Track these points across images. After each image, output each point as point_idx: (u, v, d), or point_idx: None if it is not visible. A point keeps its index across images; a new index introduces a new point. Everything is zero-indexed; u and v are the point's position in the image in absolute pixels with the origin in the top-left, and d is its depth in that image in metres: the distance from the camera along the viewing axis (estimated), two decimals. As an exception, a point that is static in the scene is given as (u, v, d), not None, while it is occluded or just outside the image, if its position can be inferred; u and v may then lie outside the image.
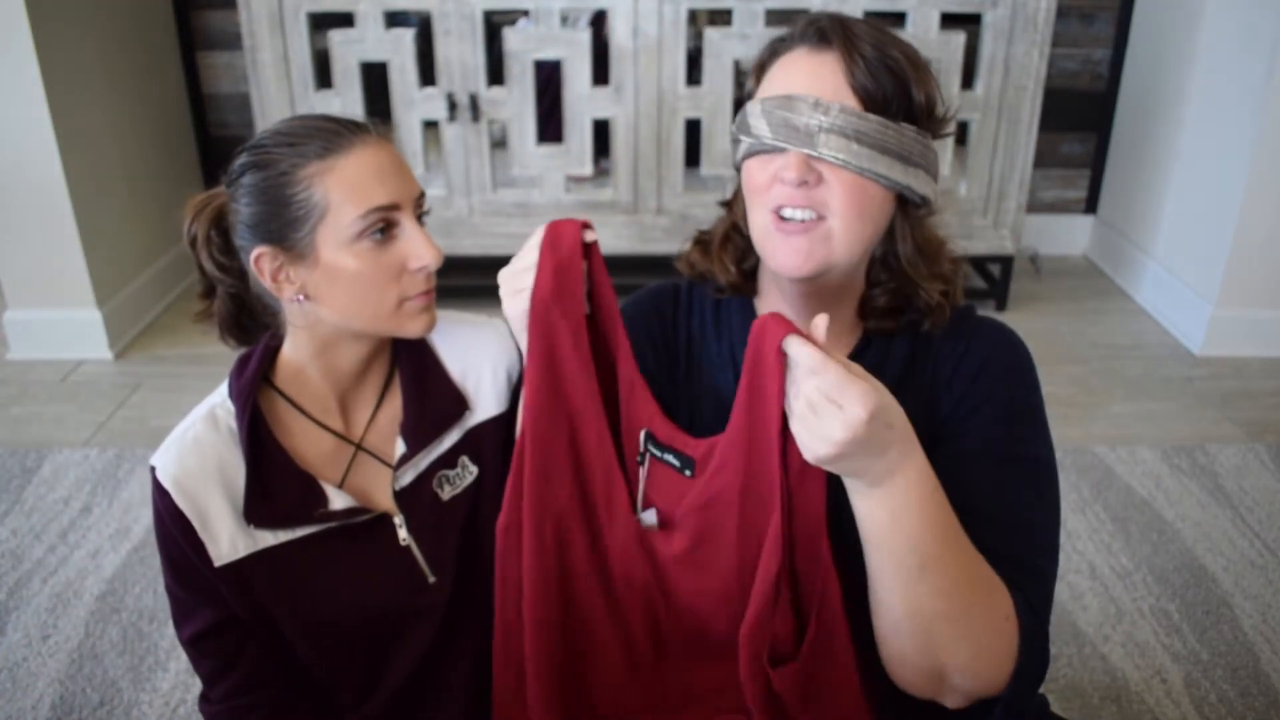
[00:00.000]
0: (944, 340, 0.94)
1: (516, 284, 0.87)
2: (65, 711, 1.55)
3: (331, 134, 0.91)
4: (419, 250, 0.92)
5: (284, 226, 0.91)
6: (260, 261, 0.92)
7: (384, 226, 0.91)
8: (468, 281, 2.79)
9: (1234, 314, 2.63)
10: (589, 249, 0.87)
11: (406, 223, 0.92)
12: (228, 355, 0.98)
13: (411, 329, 0.96)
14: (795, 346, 0.73)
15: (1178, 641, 1.69)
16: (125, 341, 2.72)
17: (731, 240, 0.99)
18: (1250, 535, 1.95)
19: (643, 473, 0.90)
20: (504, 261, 0.91)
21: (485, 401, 1.05)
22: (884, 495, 0.76)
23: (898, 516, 0.77)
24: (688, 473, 0.87)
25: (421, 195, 0.95)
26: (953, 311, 0.94)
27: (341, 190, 0.89)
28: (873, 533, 0.78)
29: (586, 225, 0.86)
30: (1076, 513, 2.01)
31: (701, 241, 1.02)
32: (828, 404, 0.71)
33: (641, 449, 0.90)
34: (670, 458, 0.88)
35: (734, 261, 0.98)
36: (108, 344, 2.64)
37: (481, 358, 1.05)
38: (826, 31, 0.86)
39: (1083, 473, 2.14)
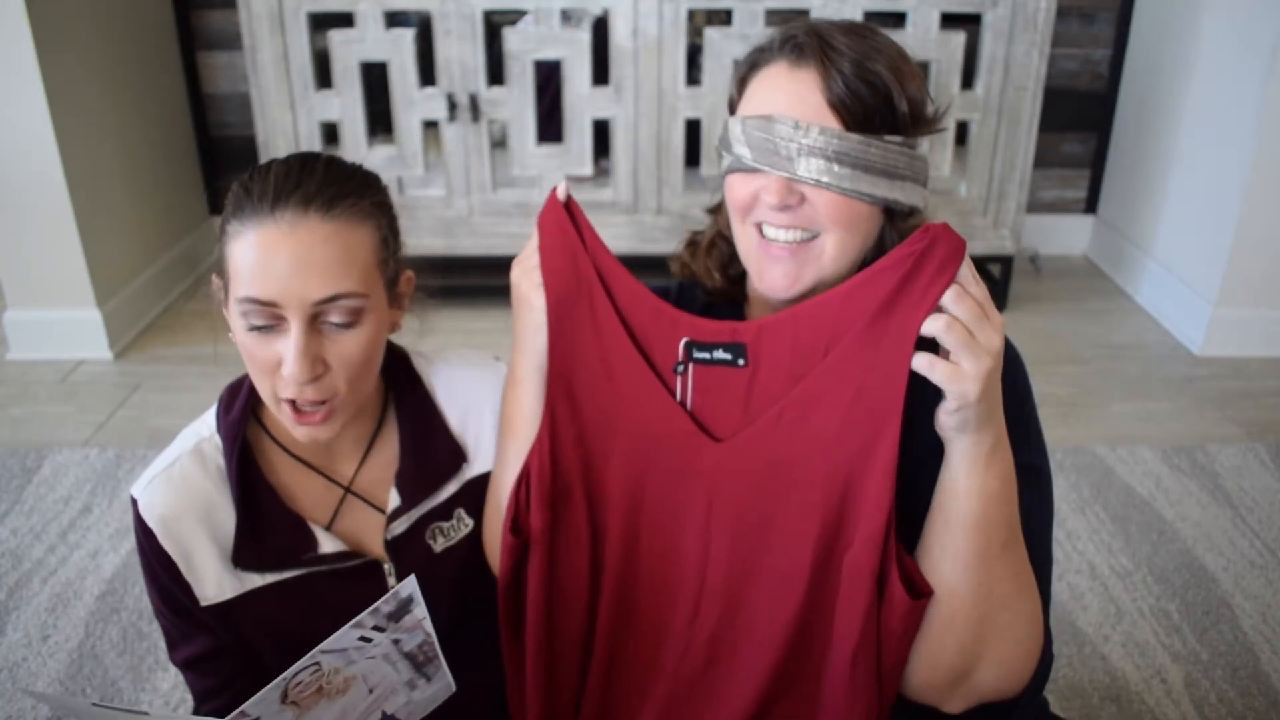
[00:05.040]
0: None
1: (534, 278, 0.87)
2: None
3: (262, 198, 0.85)
4: (286, 358, 0.85)
5: (218, 261, 0.90)
6: (214, 285, 0.92)
7: (260, 321, 0.85)
8: (468, 281, 2.79)
9: (1234, 314, 2.63)
10: (569, 207, 0.87)
11: (293, 324, 0.85)
12: (227, 356, 0.96)
13: (292, 432, 0.90)
14: (966, 264, 0.77)
15: (1178, 641, 1.69)
16: (125, 341, 2.72)
17: (716, 247, 0.99)
18: (1250, 535, 1.95)
19: (681, 385, 0.86)
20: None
21: (484, 453, 1.02)
22: (999, 463, 0.78)
23: (1006, 485, 0.79)
24: (741, 362, 0.84)
25: (336, 299, 0.85)
26: None
27: (234, 263, 0.86)
28: (977, 509, 0.78)
29: (567, 193, 0.87)
30: (1076, 513, 2.01)
31: (692, 243, 1.02)
32: (985, 315, 0.76)
33: (680, 359, 0.86)
34: (720, 353, 0.84)
35: (719, 269, 0.98)
36: (108, 344, 2.64)
37: (483, 406, 1.02)
38: (804, 47, 0.85)
39: (1083, 473, 2.14)
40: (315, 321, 0.86)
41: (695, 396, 0.86)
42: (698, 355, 0.85)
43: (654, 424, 0.87)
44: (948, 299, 0.76)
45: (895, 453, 0.79)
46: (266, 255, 0.83)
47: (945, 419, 0.77)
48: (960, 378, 0.74)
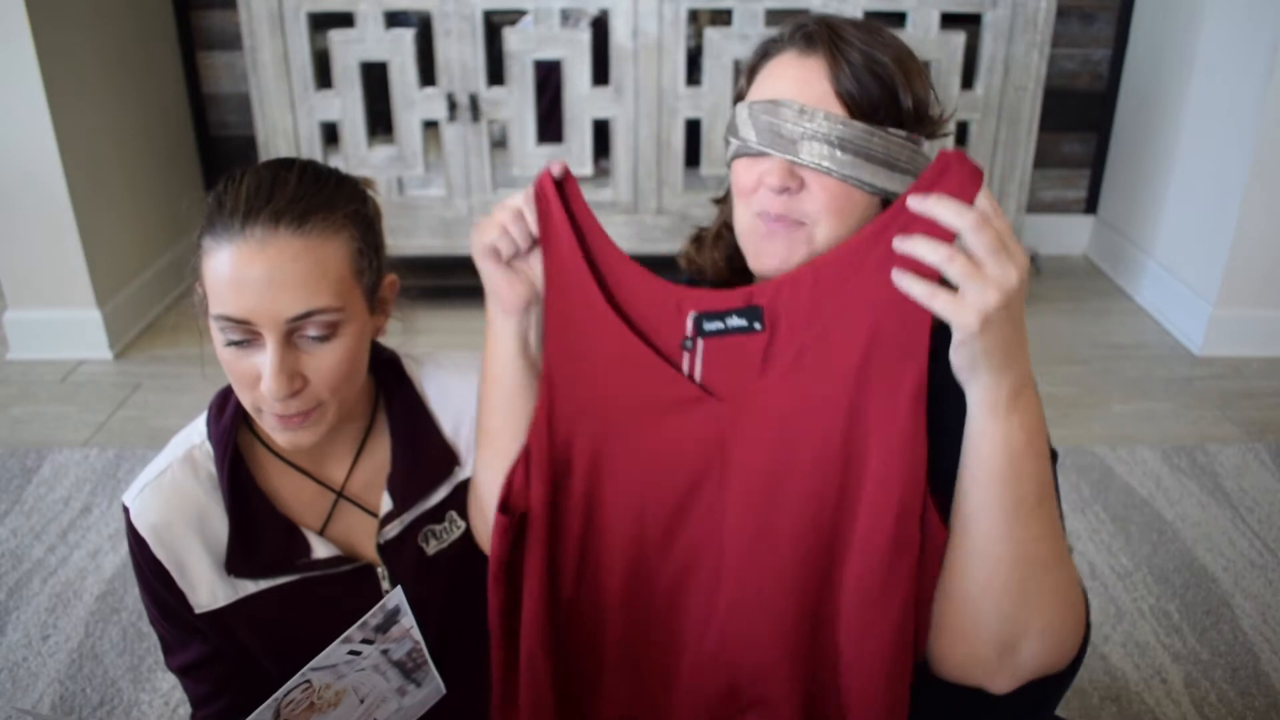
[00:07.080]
0: (935, 335, 0.94)
1: (485, 237, 0.85)
2: (65, 711, 1.55)
3: (234, 214, 0.84)
4: (264, 374, 0.85)
5: (196, 272, 0.89)
6: (196, 294, 0.91)
7: (236, 337, 0.85)
8: (468, 281, 2.78)
9: (1234, 314, 2.63)
10: (564, 187, 0.84)
11: (268, 340, 0.84)
12: (218, 358, 0.96)
13: (276, 438, 0.91)
14: (984, 195, 0.71)
15: (1178, 641, 1.69)
16: (125, 341, 2.72)
17: (723, 237, 0.99)
18: (1250, 535, 1.95)
19: (689, 361, 0.83)
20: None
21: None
22: (1023, 412, 0.74)
23: (1033, 438, 0.75)
24: (757, 326, 0.81)
25: (310, 315, 0.85)
26: None
27: (209, 279, 0.85)
28: (1002, 463, 0.74)
29: (563, 171, 0.85)
30: (1076, 513, 2.01)
31: (698, 238, 1.03)
32: (1004, 249, 0.69)
33: (688, 334, 0.83)
34: (735, 320, 0.81)
35: (724, 260, 0.99)
36: (108, 344, 2.64)
37: (474, 409, 1.02)
38: (814, 36, 0.86)
39: (1083, 473, 2.14)
40: (291, 337, 0.86)
41: (705, 370, 0.83)
42: (708, 327, 0.82)
43: (656, 398, 0.84)
44: (966, 227, 0.70)
45: (923, 388, 0.76)
46: (238, 273, 0.83)
47: (953, 356, 0.73)
48: (960, 308, 0.70)
